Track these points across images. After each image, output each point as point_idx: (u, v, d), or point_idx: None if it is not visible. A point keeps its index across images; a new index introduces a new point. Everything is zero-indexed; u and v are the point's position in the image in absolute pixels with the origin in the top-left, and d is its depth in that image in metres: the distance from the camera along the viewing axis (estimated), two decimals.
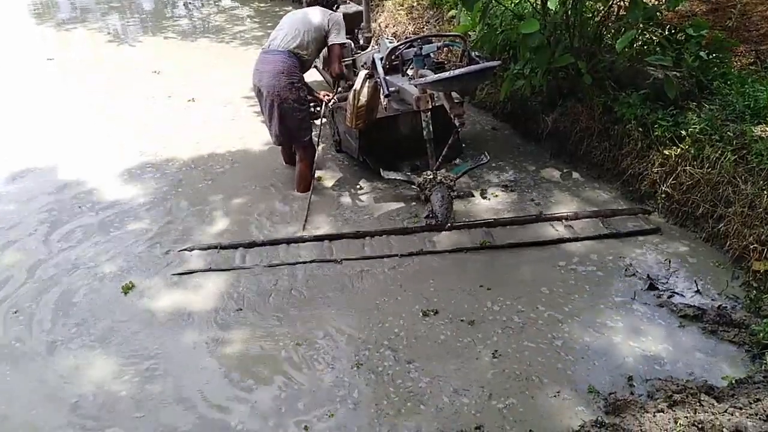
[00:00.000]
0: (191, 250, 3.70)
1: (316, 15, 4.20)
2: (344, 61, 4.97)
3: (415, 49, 4.26)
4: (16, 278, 3.46)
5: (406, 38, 4.61)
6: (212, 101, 6.30)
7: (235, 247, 3.72)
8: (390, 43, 4.59)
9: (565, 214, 4.02)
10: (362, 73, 4.11)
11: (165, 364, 2.85)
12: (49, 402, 2.63)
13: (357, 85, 4.02)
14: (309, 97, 4.24)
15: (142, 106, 6.22)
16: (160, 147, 5.21)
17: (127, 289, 3.36)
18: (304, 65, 4.21)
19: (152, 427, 2.51)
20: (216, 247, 3.70)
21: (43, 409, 2.60)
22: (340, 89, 5.03)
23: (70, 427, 2.51)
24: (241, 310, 3.19)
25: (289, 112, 4.09)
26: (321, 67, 5.71)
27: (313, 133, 4.40)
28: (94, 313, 3.18)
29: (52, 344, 2.96)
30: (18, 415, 2.57)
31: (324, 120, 4.62)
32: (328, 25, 4.18)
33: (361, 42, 5.63)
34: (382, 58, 4.29)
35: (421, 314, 3.15)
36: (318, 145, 4.46)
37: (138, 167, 4.86)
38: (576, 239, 3.77)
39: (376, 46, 4.90)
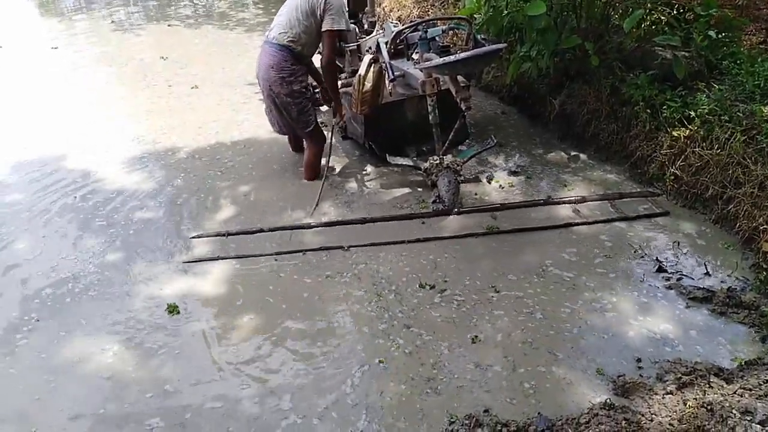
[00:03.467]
0: (198, 237, 3.71)
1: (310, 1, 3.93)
2: (348, 46, 4.92)
3: (420, 32, 4.22)
4: (20, 266, 3.48)
5: (411, 22, 4.58)
6: (216, 88, 6.29)
7: (242, 234, 3.73)
8: (395, 27, 4.55)
9: (573, 197, 4.00)
10: (367, 58, 4.08)
11: (173, 351, 2.87)
12: (53, 389, 2.66)
13: (362, 70, 3.99)
14: (311, 86, 4.13)
15: (145, 94, 6.22)
16: (164, 134, 5.21)
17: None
18: (301, 57, 4.02)
19: (160, 410, 2.53)
20: (224, 235, 3.71)
21: (47, 395, 2.62)
22: (345, 75, 5.01)
23: (78, 412, 2.54)
24: (246, 296, 3.21)
25: (284, 105, 4.04)
26: None
27: (318, 120, 4.37)
28: (101, 301, 3.20)
29: (57, 331, 2.99)
30: (20, 403, 2.60)
31: (329, 107, 4.60)
32: (322, 10, 3.88)
33: (366, 26, 5.58)
34: (386, 43, 4.25)
35: (427, 295, 3.16)
36: (331, 135, 4.43)
37: (143, 155, 4.86)
38: (584, 223, 3.75)
39: (380, 31, 4.85)
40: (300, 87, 4.01)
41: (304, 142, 4.41)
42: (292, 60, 3.94)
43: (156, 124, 5.46)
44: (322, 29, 3.90)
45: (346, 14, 4.00)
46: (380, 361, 2.75)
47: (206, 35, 8.46)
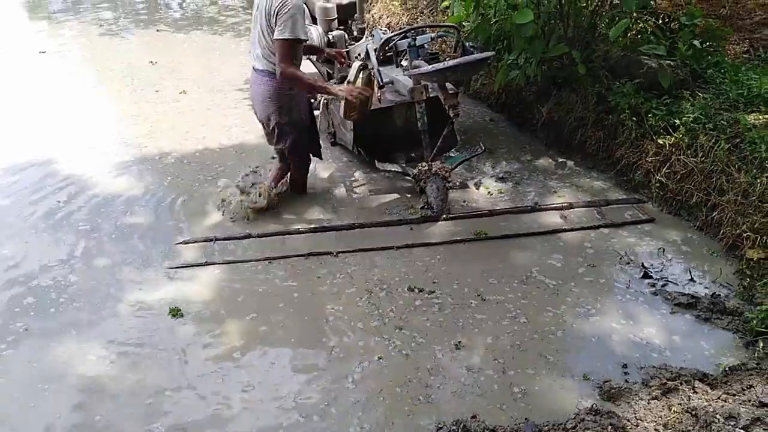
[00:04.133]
0: (186, 243, 3.69)
1: (267, 10, 3.42)
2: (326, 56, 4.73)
3: (408, 39, 4.25)
4: (8, 271, 3.44)
5: (400, 29, 4.60)
6: (205, 93, 6.26)
7: (230, 239, 3.71)
8: (384, 33, 4.58)
9: (560, 204, 4.03)
10: (356, 65, 4.09)
11: (160, 354, 2.85)
12: (40, 392, 2.63)
13: (351, 77, 4.00)
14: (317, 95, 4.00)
15: (133, 98, 6.18)
16: (152, 139, 5.18)
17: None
18: None
19: (144, 416, 2.51)
20: (211, 240, 3.70)
21: (35, 399, 2.59)
22: (334, 82, 5.02)
23: (62, 415, 2.51)
24: (236, 300, 3.20)
25: (280, 132, 3.80)
26: (315, 59, 5.68)
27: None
28: (88, 306, 3.17)
29: (44, 336, 2.96)
30: (10, 404, 2.57)
31: (318, 112, 4.60)
32: (275, 18, 3.40)
33: (355, 33, 5.60)
34: (375, 49, 4.27)
35: (414, 300, 3.18)
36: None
37: (130, 159, 4.83)
38: (571, 229, 3.78)
39: (369, 37, 4.88)
40: (300, 116, 3.80)
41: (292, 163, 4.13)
42: (289, 86, 3.63)
43: (144, 128, 5.43)
44: (276, 36, 3.42)
45: (301, 21, 3.43)
46: (351, 375, 2.75)
47: (195, 40, 8.43)
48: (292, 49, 3.47)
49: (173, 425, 2.49)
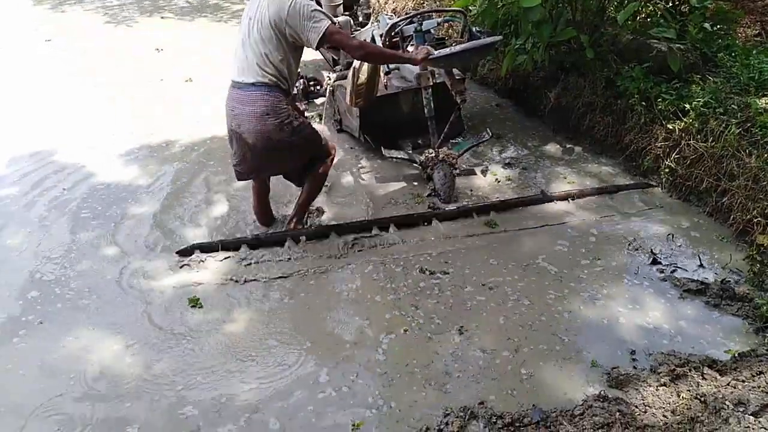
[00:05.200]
0: (191, 251, 3.47)
1: (274, 17, 3.02)
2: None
3: (415, 25, 4.21)
4: (15, 260, 3.46)
5: (406, 14, 4.56)
6: (210, 81, 6.23)
7: (237, 246, 3.51)
8: (389, 19, 4.54)
9: (569, 192, 4.00)
10: None
11: (169, 343, 2.86)
12: (49, 381, 2.65)
13: (356, 63, 3.97)
14: (298, 113, 3.35)
15: (139, 87, 6.17)
16: (158, 128, 5.18)
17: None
18: (289, 90, 3.26)
19: (157, 403, 2.53)
20: (216, 249, 3.49)
21: (43, 388, 2.61)
22: (340, 68, 5.00)
23: (73, 403, 2.53)
24: (250, 285, 3.21)
25: (287, 148, 3.25)
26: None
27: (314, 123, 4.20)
28: (95, 296, 3.18)
29: (53, 325, 2.97)
30: (17, 393, 2.59)
31: (324, 99, 4.58)
32: (292, 24, 3.02)
33: (360, 19, 5.57)
34: (381, 35, 4.24)
35: (420, 289, 3.17)
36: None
37: (136, 148, 4.83)
38: (579, 215, 3.75)
39: (375, 23, 4.85)
40: (298, 121, 3.26)
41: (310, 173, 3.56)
42: (285, 99, 3.18)
43: (149, 117, 5.42)
44: (314, 47, 3.11)
45: (319, 7, 3.12)
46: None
47: (200, 28, 8.41)
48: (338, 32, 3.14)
49: (215, 410, 2.50)
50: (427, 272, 3.28)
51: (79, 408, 2.51)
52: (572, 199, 3.92)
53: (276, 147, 3.20)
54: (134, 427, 2.42)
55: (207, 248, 3.47)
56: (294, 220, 3.63)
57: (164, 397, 2.56)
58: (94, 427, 2.43)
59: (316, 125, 3.40)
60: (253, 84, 3.08)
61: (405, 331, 2.89)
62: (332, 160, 3.62)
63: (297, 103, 3.82)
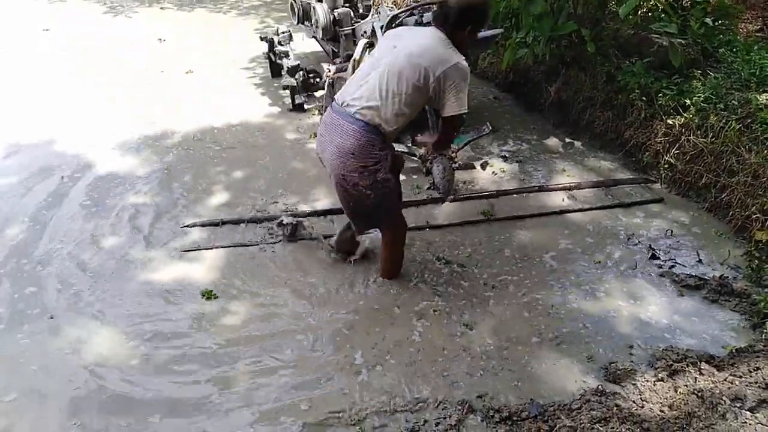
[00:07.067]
0: (193, 226, 3.66)
1: (430, 60, 2.61)
2: (343, 31, 4.66)
3: (415, 16, 4.18)
4: (17, 252, 3.45)
5: (407, 6, 4.53)
6: (211, 72, 6.21)
7: (236, 222, 3.66)
8: (390, 11, 4.51)
9: (568, 184, 4.00)
10: (362, 43, 4.05)
11: (169, 332, 2.87)
12: (52, 371, 2.66)
13: (356, 55, 3.96)
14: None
15: (139, 77, 6.13)
16: (158, 118, 5.15)
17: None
18: (388, 137, 2.77)
19: (157, 392, 2.54)
20: (218, 224, 3.65)
21: (46, 378, 2.62)
22: (340, 60, 4.97)
23: (76, 392, 2.54)
24: (243, 281, 3.21)
25: (357, 196, 2.81)
26: (320, 37, 5.62)
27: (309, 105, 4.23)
28: (97, 286, 3.18)
29: (55, 316, 2.97)
30: (20, 384, 2.59)
31: (323, 92, 4.56)
32: (439, 83, 2.61)
33: (361, 10, 5.53)
34: (382, 27, 4.21)
35: (419, 280, 3.17)
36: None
37: (136, 139, 4.81)
38: (578, 209, 3.75)
39: (376, 15, 4.81)
40: (384, 175, 2.77)
41: (382, 239, 3.21)
42: (381, 144, 2.72)
43: (150, 108, 5.39)
44: (443, 113, 2.73)
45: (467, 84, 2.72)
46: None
47: (200, 18, 8.35)
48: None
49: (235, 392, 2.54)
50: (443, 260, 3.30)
51: (86, 400, 2.52)
52: (569, 191, 3.91)
53: (347, 189, 2.78)
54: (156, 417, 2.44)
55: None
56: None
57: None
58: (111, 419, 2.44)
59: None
60: (352, 115, 2.67)
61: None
62: (401, 237, 3.15)
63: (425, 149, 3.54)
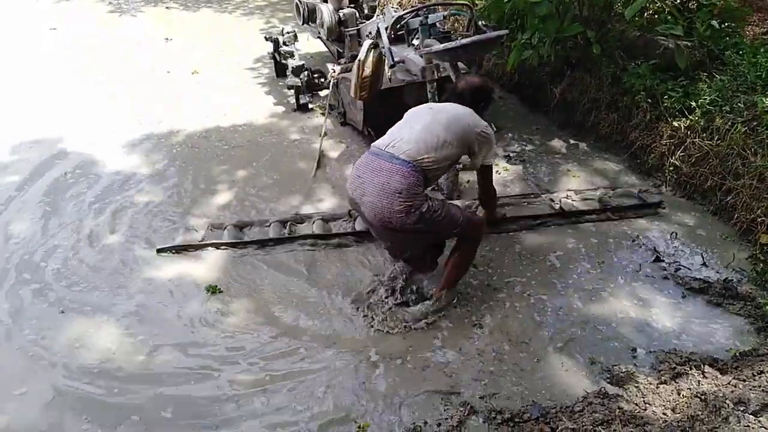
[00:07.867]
0: (197, 231, 3.63)
1: (465, 122, 2.91)
2: (348, 31, 4.79)
3: (420, 18, 4.18)
4: (20, 248, 3.47)
5: (412, 7, 4.53)
6: (216, 73, 6.23)
7: (241, 227, 3.63)
8: (395, 12, 4.52)
9: (572, 189, 3.98)
10: (367, 43, 4.04)
11: (169, 331, 2.88)
12: (52, 367, 2.67)
13: (361, 56, 3.95)
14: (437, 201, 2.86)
15: (144, 77, 6.16)
16: (163, 118, 5.17)
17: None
18: (429, 182, 2.90)
19: (153, 392, 2.55)
20: (222, 227, 3.61)
21: (45, 374, 2.63)
22: (344, 60, 4.98)
23: (76, 390, 2.55)
24: (245, 281, 3.21)
25: (414, 232, 2.79)
26: (325, 38, 5.63)
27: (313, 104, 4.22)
28: (99, 283, 3.19)
29: (58, 312, 2.99)
30: (30, 379, 2.60)
31: (328, 91, 4.56)
32: (477, 142, 2.92)
33: (366, 11, 5.54)
34: (387, 28, 4.21)
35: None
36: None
37: (141, 138, 4.83)
38: (582, 212, 3.74)
39: (381, 15, 4.82)
40: (428, 205, 2.77)
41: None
42: (423, 187, 2.79)
43: (154, 108, 5.41)
44: (483, 162, 3.00)
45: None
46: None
47: (205, 18, 8.38)
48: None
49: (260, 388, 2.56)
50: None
51: (94, 396, 2.55)
52: (573, 195, 3.90)
53: (395, 229, 2.77)
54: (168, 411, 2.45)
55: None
56: (440, 298, 3.05)
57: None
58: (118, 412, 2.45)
59: (453, 203, 3.15)
60: (398, 157, 2.74)
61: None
62: (478, 239, 3.06)
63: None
